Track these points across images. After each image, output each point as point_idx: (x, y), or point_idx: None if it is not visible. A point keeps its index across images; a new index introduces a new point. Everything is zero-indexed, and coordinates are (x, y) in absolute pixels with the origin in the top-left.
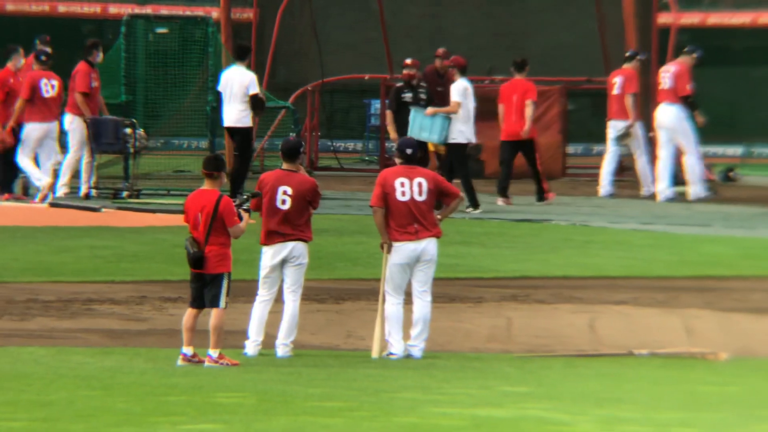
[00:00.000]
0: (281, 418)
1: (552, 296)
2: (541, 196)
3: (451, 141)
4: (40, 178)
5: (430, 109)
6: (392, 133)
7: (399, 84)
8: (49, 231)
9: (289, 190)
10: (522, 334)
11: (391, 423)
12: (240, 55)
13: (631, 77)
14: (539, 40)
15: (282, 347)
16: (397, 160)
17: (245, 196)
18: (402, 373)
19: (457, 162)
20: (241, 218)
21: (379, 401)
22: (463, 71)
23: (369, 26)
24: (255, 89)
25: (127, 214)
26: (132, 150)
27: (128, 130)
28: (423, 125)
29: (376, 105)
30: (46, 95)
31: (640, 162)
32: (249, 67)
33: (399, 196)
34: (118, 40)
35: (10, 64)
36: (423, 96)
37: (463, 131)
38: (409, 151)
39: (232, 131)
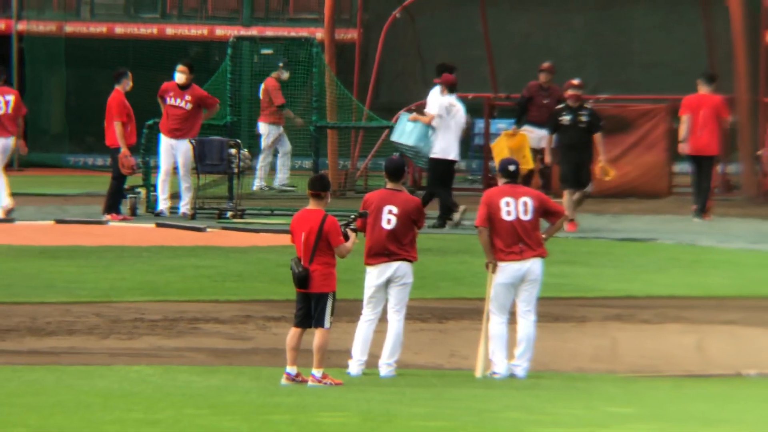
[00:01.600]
0: None
1: (657, 316)
2: (702, 213)
3: (431, 155)
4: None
5: (412, 116)
6: (546, 157)
7: (559, 106)
8: (155, 251)
9: (395, 210)
10: (627, 354)
11: None
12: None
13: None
14: (646, 57)
15: (385, 367)
16: (501, 180)
17: (352, 216)
18: (505, 392)
19: (432, 177)
20: (347, 238)
21: (482, 421)
22: (452, 89)
23: (473, 45)
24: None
25: (231, 234)
26: (236, 170)
27: (233, 151)
28: (404, 130)
29: (479, 124)
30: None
31: None
32: None
33: (504, 216)
34: (224, 62)
35: (119, 87)
36: (584, 118)
37: (444, 148)
38: (512, 168)
39: None
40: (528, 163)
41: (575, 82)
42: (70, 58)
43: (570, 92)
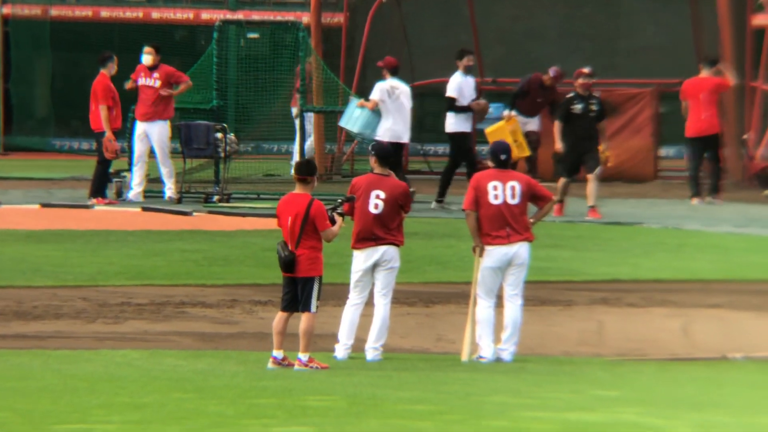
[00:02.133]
0: (371, 421)
1: (644, 300)
2: (716, 193)
3: (377, 138)
4: None
5: (359, 102)
6: (557, 144)
7: (570, 95)
8: (142, 235)
9: (382, 194)
10: (613, 338)
11: (481, 426)
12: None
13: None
14: (631, 42)
15: (372, 351)
16: (490, 164)
17: (339, 200)
18: (492, 376)
19: None
20: (333, 222)
21: (469, 405)
22: (394, 72)
23: (459, 30)
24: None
25: (218, 218)
26: (223, 154)
27: (219, 135)
28: (351, 115)
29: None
30: None
31: None
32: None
33: (492, 200)
34: (210, 46)
35: (105, 71)
36: (594, 107)
37: (390, 129)
38: (502, 156)
39: None
40: (524, 150)
41: (586, 70)
42: (56, 42)
43: (581, 81)
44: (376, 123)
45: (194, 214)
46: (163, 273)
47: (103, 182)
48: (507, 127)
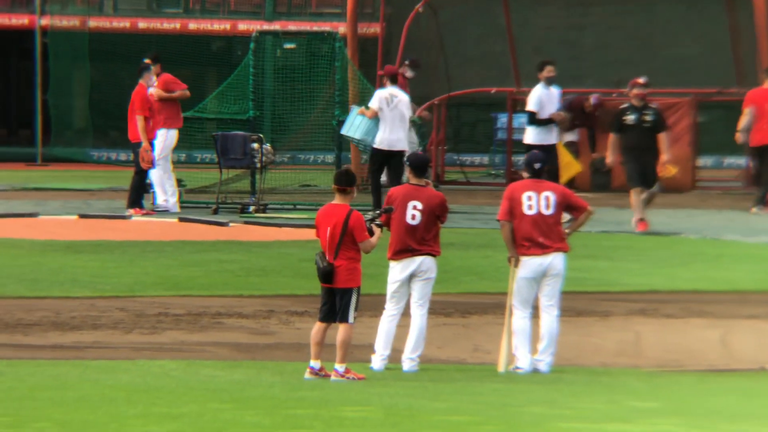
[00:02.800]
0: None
1: (681, 310)
2: (762, 204)
3: (374, 146)
4: None
5: (359, 110)
6: (608, 157)
7: (624, 105)
8: (178, 245)
9: (419, 205)
10: (651, 349)
11: None
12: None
13: None
14: (669, 51)
15: (408, 361)
16: (525, 174)
17: (377, 212)
18: (529, 387)
19: (371, 166)
20: (371, 233)
21: (505, 415)
22: (394, 80)
23: (496, 39)
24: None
25: (254, 229)
26: (259, 165)
27: (255, 145)
28: (353, 123)
29: (502, 119)
30: None
31: None
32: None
33: (526, 210)
34: (247, 56)
35: (143, 81)
36: (649, 118)
37: (385, 138)
38: (537, 165)
39: None
40: (577, 167)
41: (640, 80)
42: (94, 53)
43: (635, 91)
44: (377, 130)
45: (231, 224)
46: (200, 283)
47: (140, 193)
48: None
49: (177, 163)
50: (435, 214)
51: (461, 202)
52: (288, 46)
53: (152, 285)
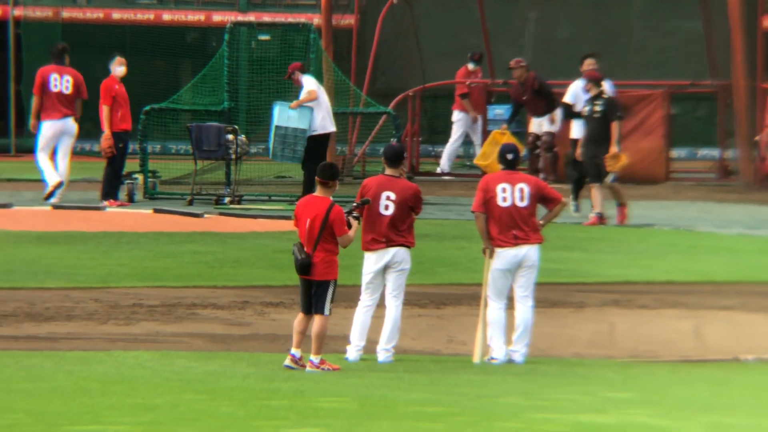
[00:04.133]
0: (383, 422)
1: (656, 301)
2: None
3: (313, 133)
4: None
5: (293, 104)
6: (577, 150)
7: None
8: (153, 237)
9: (393, 196)
10: (625, 340)
11: (493, 428)
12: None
13: None
14: (642, 44)
15: (383, 352)
16: (499, 167)
17: (354, 204)
18: (504, 378)
19: (311, 152)
20: (349, 226)
21: (480, 406)
22: (303, 70)
23: (471, 32)
24: None
25: (229, 220)
26: (234, 156)
27: (230, 136)
28: (290, 116)
29: None
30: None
31: None
32: None
33: (500, 202)
34: (222, 48)
35: (112, 72)
36: (599, 108)
37: (321, 121)
38: (509, 156)
39: None
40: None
41: (592, 68)
42: (67, 44)
43: (588, 85)
44: (310, 117)
45: (205, 215)
46: (175, 275)
47: (115, 184)
48: (501, 139)
49: (152, 154)
50: (408, 206)
51: (436, 193)
52: (262, 37)
53: (127, 276)
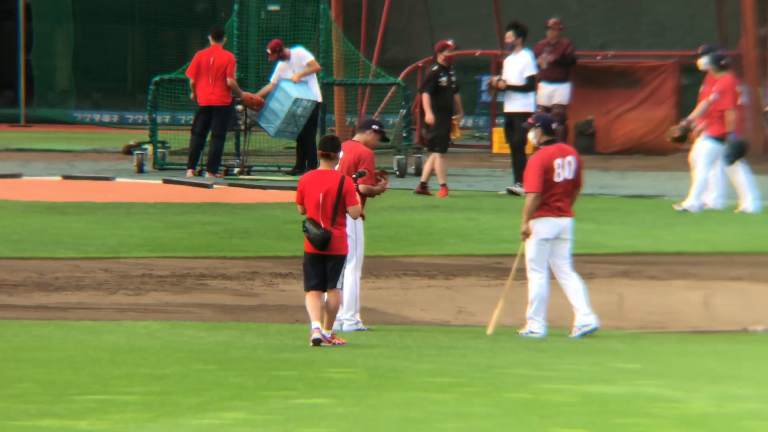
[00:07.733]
0: (392, 393)
1: (665, 272)
2: None
3: (318, 100)
4: None
5: (295, 76)
6: (428, 115)
7: (435, 68)
8: (162, 207)
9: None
10: (634, 311)
11: (502, 399)
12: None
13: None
14: (653, 14)
15: (346, 322)
16: (541, 139)
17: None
18: (513, 348)
19: (312, 122)
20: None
21: (489, 377)
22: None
23: (480, 2)
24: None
25: (238, 191)
26: (243, 127)
27: (239, 108)
28: (299, 89)
29: (487, 81)
30: None
31: None
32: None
33: (556, 178)
34: (231, 18)
35: (219, 45)
36: (455, 79)
37: (317, 93)
38: (555, 125)
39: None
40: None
41: (449, 43)
42: (78, 13)
43: (445, 53)
44: (307, 88)
45: (215, 186)
46: (184, 245)
47: (218, 157)
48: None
49: (161, 125)
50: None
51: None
52: (272, 8)
53: (136, 246)
